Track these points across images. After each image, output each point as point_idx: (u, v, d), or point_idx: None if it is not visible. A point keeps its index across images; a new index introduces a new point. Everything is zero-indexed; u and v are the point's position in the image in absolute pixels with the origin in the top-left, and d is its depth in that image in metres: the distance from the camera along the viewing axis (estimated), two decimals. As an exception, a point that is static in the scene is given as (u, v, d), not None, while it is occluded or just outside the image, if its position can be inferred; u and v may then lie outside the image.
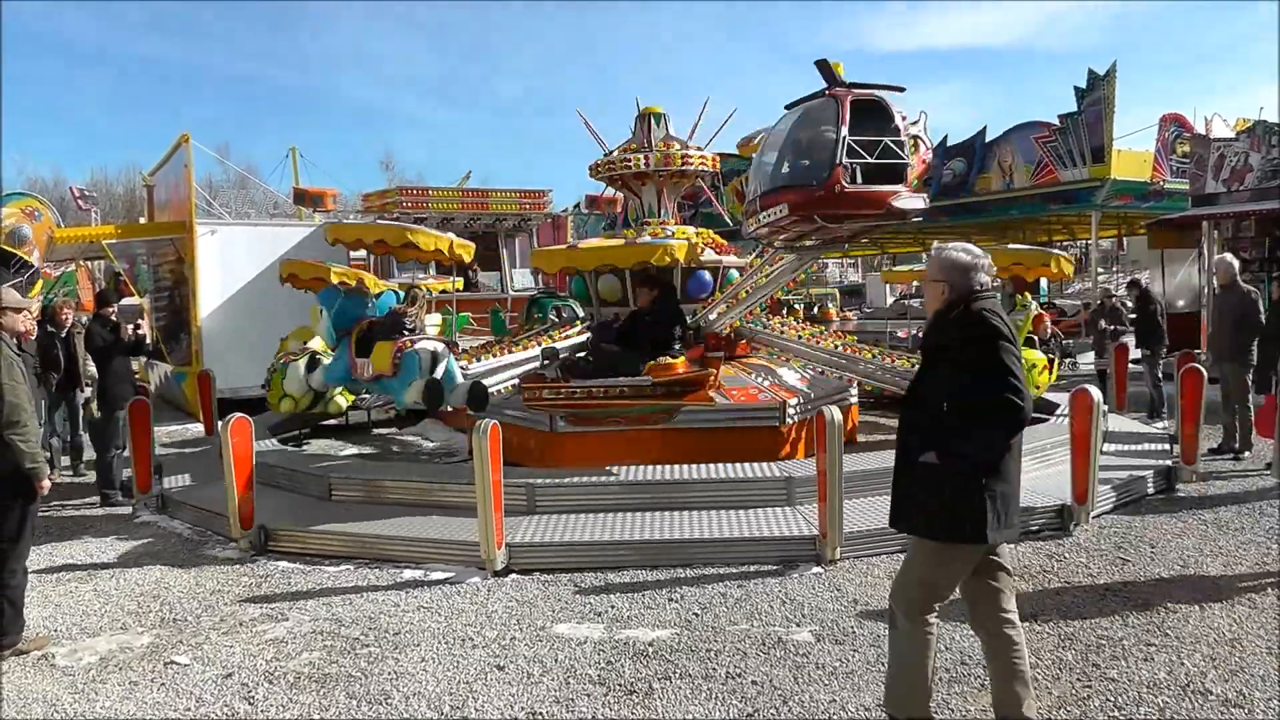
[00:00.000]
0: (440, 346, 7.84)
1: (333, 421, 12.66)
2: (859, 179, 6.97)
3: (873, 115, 7.06)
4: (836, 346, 9.65)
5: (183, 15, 77.92)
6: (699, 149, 9.94)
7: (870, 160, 6.96)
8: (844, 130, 6.91)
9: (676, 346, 8.19)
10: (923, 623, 3.49)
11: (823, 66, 7.14)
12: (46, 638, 5.20)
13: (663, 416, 8.12)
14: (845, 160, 6.93)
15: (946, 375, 3.46)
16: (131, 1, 76.61)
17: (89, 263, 21.40)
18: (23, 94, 69.69)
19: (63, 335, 9.77)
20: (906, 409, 3.70)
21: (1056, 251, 8.98)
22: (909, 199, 7.04)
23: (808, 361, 9.66)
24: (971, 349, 3.38)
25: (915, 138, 7.65)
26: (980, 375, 3.33)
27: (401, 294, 8.71)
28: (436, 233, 8.72)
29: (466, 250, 8.71)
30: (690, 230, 9.87)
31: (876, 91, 7.15)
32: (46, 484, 5.09)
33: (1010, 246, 9.57)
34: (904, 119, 7.24)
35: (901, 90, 7.22)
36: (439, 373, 7.65)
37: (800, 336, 9.90)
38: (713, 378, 8.24)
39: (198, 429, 12.41)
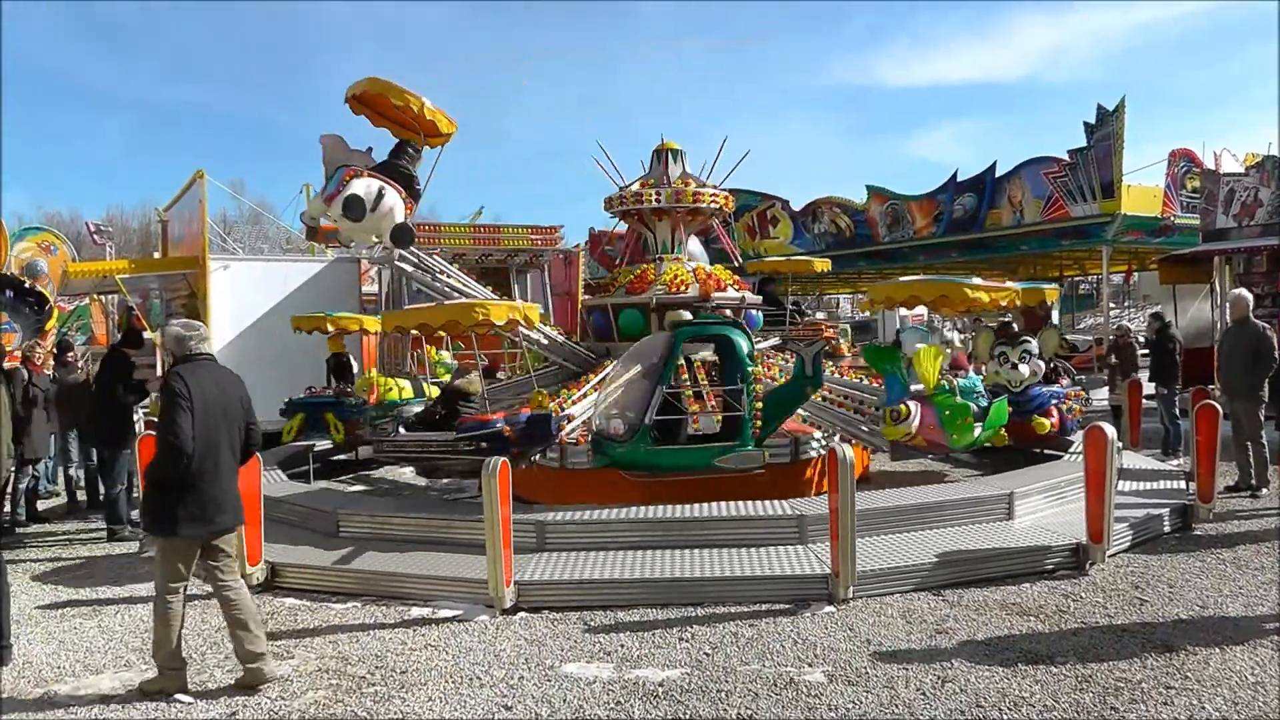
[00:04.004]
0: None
1: (341, 457, 12.64)
2: None
3: None
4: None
5: (200, 62, 79.58)
6: (714, 187, 10.01)
7: None
8: None
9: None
10: (164, 600, 4.72)
11: None
12: None
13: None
14: None
15: None
16: (147, 50, 78.13)
17: (103, 297, 21.58)
18: (45, 133, 71.09)
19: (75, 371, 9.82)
20: None
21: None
22: None
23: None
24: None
25: None
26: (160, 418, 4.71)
27: None
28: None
29: None
30: (686, 268, 9.93)
31: None
32: None
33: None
34: None
35: None
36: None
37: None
38: None
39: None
